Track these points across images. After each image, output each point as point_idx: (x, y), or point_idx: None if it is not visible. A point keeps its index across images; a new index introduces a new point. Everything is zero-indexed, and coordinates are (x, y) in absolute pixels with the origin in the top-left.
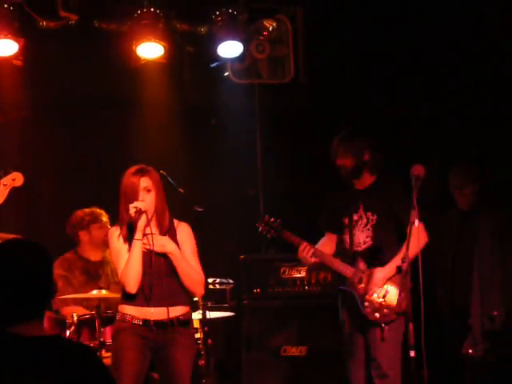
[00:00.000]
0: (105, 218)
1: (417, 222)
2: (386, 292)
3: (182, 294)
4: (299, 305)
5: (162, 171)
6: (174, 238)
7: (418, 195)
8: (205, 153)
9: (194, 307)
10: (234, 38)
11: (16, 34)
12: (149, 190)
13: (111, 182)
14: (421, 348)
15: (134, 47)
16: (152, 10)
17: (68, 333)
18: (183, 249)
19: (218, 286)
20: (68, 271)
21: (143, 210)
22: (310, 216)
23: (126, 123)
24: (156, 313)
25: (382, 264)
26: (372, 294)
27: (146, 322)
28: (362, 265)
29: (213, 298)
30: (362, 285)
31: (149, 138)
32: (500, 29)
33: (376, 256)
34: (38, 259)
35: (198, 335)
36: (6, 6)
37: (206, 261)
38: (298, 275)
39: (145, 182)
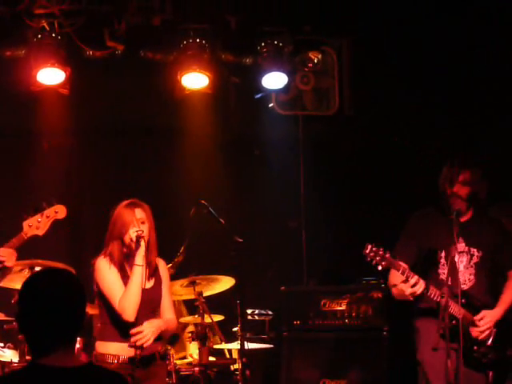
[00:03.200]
0: None
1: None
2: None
3: None
4: (339, 338)
5: (202, 201)
6: (158, 273)
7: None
8: (247, 184)
9: (233, 338)
10: (278, 70)
11: (63, 63)
12: (143, 222)
13: (153, 209)
14: None
15: (179, 77)
16: (198, 40)
17: None
18: (163, 286)
19: (257, 317)
20: None
21: (144, 235)
22: (353, 249)
23: (170, 153)
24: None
25: (482, 306)
26: (485, 337)
27: (131, 359)
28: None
29: (252, 329)
30: (478, 328)
31: (192, 167)
32: None
33: (477, 296)
34: (68, 289)
35: (236, 366)
36: (53, 35)
37: (246, 291)
38: (339, 308)
39: (139, 213)
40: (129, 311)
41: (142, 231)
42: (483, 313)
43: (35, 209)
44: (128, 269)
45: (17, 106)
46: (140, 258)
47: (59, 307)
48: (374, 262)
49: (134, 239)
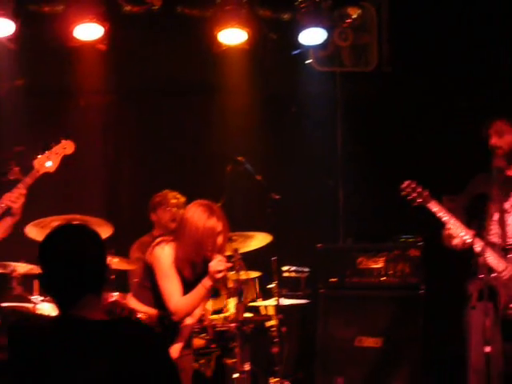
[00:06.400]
0: (174, 200)
1: (496, 216)
2: None
3: None
4: (375, 295)
5: (240, 158)
6: None
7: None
8: (284, 140)
9: (268, 295)
10: (317, 25)
11: (101, 19)
12: (219, 233)
13: (190, 166)
14: None
15: (216, 33)
16: None
17: None
18: None
19: (293, 274)
20: (144, 254)
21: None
22: (389, 206)
23: (206, 108)
24: None
25: None
26: None
27: (161, 317)
28: None
29: (287, 286)
30: None
31: (229, 123)
32: None
33: None
34: (84, 242)
35: (272, 322)
36: None
37: (282, 248)
38: (375, 266)
39: (220, 226)
40: (181, 317)
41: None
42: None
43: (44, 147)
44: (187, 269)
45: (54, 63)
46: (210, 285)
47: (75, 261)
48: (409, 197)
49: (215, 276)
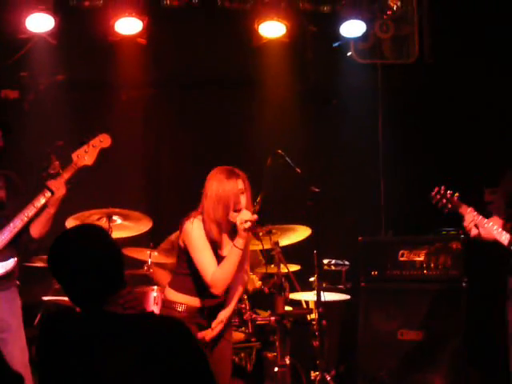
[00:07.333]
0: None
1: None
2: None
3: None
4: (417, 288)
5: (279, 150)
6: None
7: None
8: (325, 133)
9: (309, 288)
10: (357, 17)
11: (140, 13)
12: (242, 193)
13: (230, 158)
14: None
15: (256, 26)
16: None
17: None
18: None
19: (333, 267)
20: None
21: (254, 223)
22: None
23: (246, 101)
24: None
25: None
26: None
27: (200, 309)
28: None
29: (328, 279)
30: None
31: (269, 116)
32: None
33: None
34: (91, 245)
35: (312, 316)
36: None
37: (322, 241)
38: (417, 258)
39: (240, 184)
40: (220, 288)
41: (254, 223)
42: None
43: (81, 141)
44: (217, 237)
45: (95, 57)
46: (242, 242)
47: (84, 266)
48: (439, 204)
49: (243, 227)
